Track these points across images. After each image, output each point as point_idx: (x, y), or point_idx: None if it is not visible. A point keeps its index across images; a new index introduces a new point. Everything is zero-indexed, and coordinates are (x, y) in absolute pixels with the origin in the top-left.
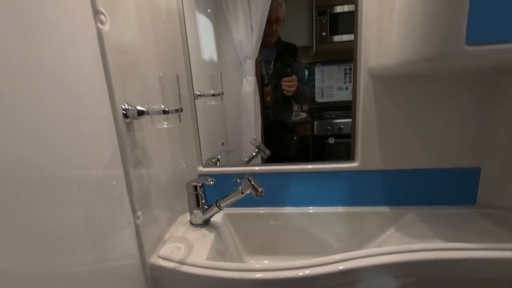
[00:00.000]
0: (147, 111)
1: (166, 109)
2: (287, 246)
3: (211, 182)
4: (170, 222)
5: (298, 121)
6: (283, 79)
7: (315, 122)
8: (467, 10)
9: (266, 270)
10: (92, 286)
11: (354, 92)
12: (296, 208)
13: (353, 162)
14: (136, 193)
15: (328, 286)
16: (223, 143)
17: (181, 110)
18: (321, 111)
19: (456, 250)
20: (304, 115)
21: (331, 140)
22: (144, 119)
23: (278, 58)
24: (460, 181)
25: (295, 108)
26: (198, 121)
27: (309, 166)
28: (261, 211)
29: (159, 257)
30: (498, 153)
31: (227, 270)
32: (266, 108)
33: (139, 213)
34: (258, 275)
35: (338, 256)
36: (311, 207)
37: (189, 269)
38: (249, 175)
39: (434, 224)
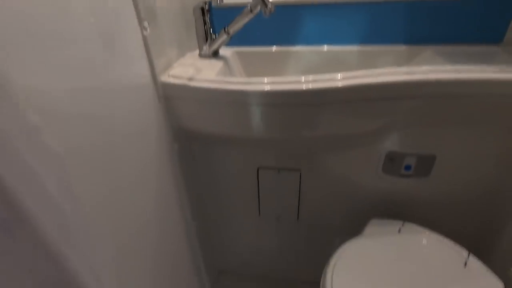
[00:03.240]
0: None
1: None
2: None
3: (218, 1)
4: (179, 55)
5: None
6: None
7: None
8: None
9: (275, 83)
10: (108, 101)
11: None
12: (309, 46)
13: None
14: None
15: (332, 101)
16: None
17: None
18: None
19: (460, 73)
20: None
21: None
22: None
23: None
24: (488, 16)
25: None
26: None
27: None
28: (273, 50)
29: (170, 75)
30: None
31: (237, 83)
32: None
33: (146, 23)
34: (267, 88)
35: (348, 74)
36: (325, 46)
37: (199, 83)
38: None
39: (452, 59)
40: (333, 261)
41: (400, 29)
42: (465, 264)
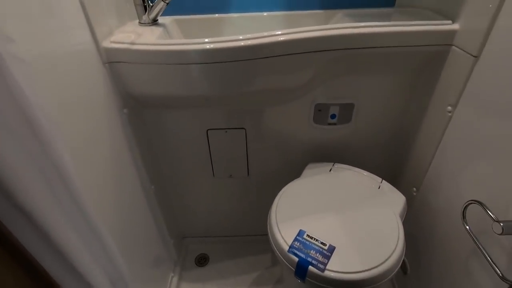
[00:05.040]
0: None
1: None
2: None
3: None
4: (119, 23)
5: None
6: None
7: None
8: None
9: (216, 42)
10: (54, 70)
11: None
12: (240, 14)
13: None
14: None
15: (267, 54)
16: None
17: None
18: None
19: (363, 28)
20: None
21: None
22: None
23: None
24: None
25: None
26: None
27: None
28: (209, 17)
29: (111, 42)
30: None
31: (178, 44)
32: None
33: None
34: (209, 46)
35: (279, 32)
36: (253, 13)
37: (141, 46)
38: None
39: (358, 19)
40: (277, 198)
41: None
42: (379, 187)
